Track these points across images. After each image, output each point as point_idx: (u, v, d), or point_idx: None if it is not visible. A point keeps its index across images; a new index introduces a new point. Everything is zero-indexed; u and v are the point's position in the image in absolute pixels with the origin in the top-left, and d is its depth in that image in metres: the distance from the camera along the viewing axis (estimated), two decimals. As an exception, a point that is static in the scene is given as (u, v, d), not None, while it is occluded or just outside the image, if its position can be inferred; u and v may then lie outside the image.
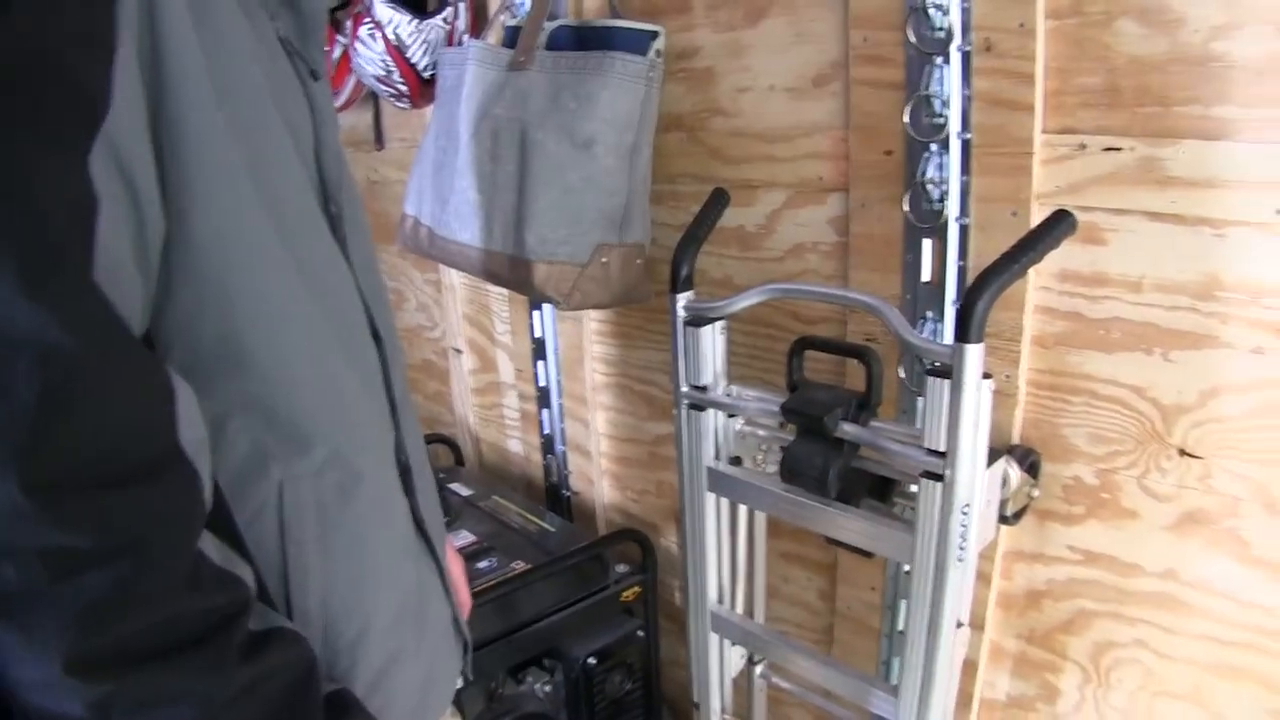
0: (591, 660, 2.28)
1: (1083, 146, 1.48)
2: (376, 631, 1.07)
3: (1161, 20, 1.38)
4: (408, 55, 2.42)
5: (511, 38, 2.11)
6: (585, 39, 2.02)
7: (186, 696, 0.78)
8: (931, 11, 1.54)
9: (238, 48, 0.92)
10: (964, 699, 1.82)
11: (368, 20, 2.40)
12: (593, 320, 2.50)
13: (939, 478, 1.34)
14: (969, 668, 1.81)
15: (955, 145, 1.59)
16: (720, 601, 1.80)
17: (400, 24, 2.38)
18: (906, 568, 1.44)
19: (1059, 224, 1.32)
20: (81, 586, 0.73)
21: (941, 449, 1.32)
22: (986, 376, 1.29)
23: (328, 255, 1.05)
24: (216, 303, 0.89)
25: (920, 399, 1.34)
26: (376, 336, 1.12)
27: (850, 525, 1.52)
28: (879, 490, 1.57)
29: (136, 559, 0.75)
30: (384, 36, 2.39)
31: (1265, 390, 1.41)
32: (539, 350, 2.69)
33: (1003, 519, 1.59)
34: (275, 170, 0.95)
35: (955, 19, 1.53)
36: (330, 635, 1.02)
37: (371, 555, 1.07)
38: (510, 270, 2.03)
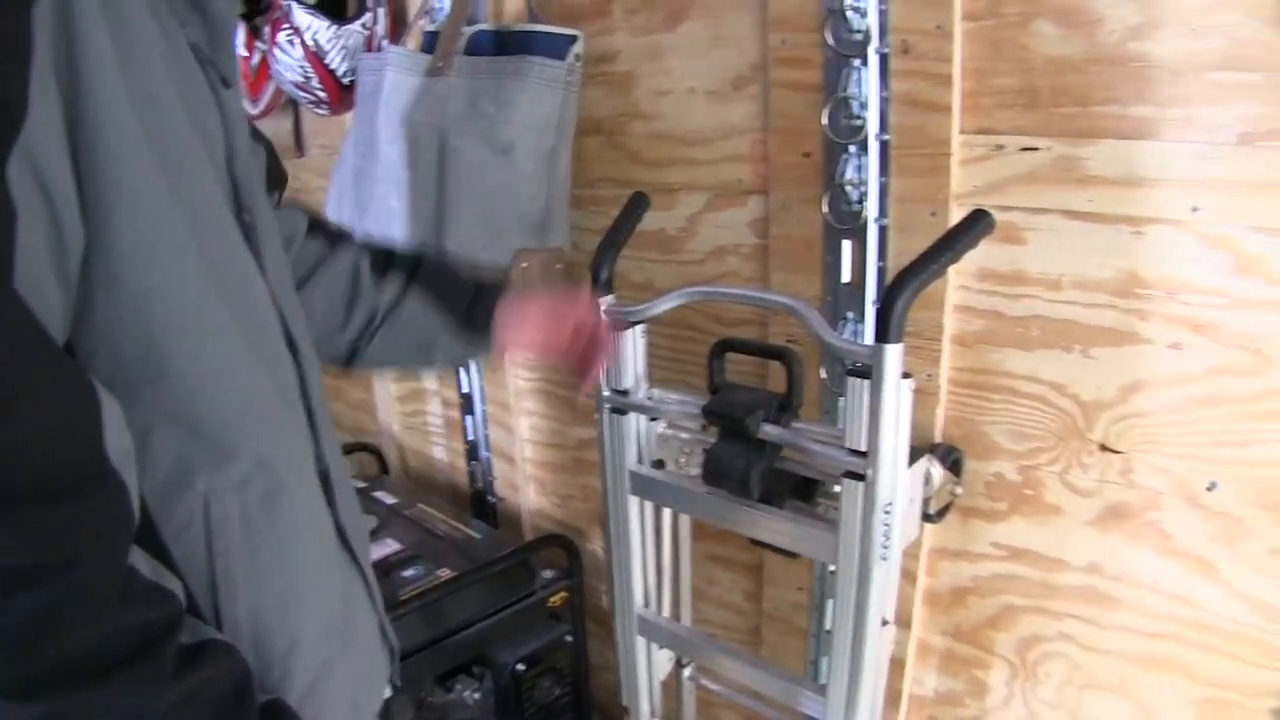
0: (520, 666, 2.27)
1: (1000, 147, 1.50)
2: (307, 642, 1.06)
3: (1079, 21, 1.39)
4: (326, 61, 2.39)
5: (430, 43, 2.10)
6: (504, 44, 2.02)
7: (123, 713, 0.77)
8: (849, 14, 1.54)
9: (151, 55, 0.90)
10: (893, 696, 1.83)
11: (286, 26, 2.38)
12: (515, 325, 2.48)
13: (861, 477, 1.34)
14: (897, 665, 1.82)
15: (874, 146, 1.60)
16: (647, 605, 1.80)
17: (318, 30, 2.36)
18: (832, 567, 1.44)
19: (977, 223, 1.32)
20: (11, 608, 0.71)
21: (863, 449, 1.32)
22: (906, 376, 1.29)
23: (243, 265, 1.03)
24: (137, 313, 0.87)
25: (842, 399, 1.34)
26: (292, 346, 1.11)
27: (774, 526, 1.51)
28: (802, 491, 1.57)
29: (68, 577, 0.73)
30: (302, 43, 2.37)
31: (1184, 385, 1.43)
32: (461, 358, 2.66)
33: (926, 517, 1.60)
34: (191, 178, 0.94)
35: (873, 21, 1.54)
36: (262, 647, 1.01)
37: (298, 566, 1.06)
38: (431, 277, 2.02)
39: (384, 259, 1.46)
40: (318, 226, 1.45)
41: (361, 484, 2.73)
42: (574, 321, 1.49)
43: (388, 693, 1.33)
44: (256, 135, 1.40)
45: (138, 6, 0.90)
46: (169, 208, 0.89)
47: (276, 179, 1.38)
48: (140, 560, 0.83)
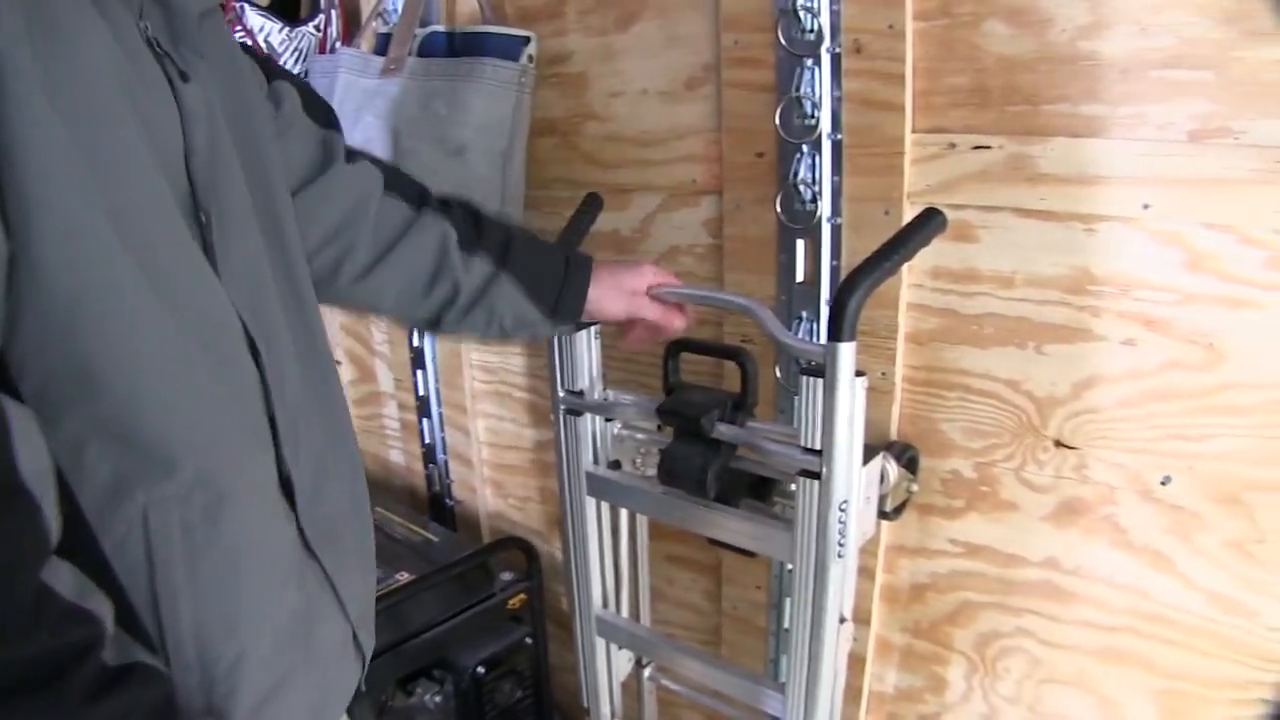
0: (480, 669, 2.26)
1: (953, 145, 1.50)
2: (256, 656, 1.03)
3: (1029, 20, 1.40)
4: (279, 63, 2.38)
5: (384, 45, 2.09)
6: (457, 45, 2.01)
7: None
8: (801, 14, 1.54)
9: (85, 52, 0.87)
10: (853, 693, 1.83)
11: (239, 28, 2.36)
12: (471, 326, 2.48)
13: (816, 476, 1.34)
14: (857, 662, 1.82)
15: (826, 146, 1.60)
16: (605, 606, 1.80)
17: (271, 32, 2.35)
18: (789, 566, 1.45)
19: (929, 222, 1.33)
20: None
21: (817, 447, 1.33)
22: (860, 374, 1.29)
23: (192, 269, 0.99)
24: (65, 326, 0.85)
25: (797, 398, 1.34)
26: (254, 351, 1.07)
27: (730, 525, 1.51)
28: (758, 490, 1.57)
29: None
30: (255, 45, 2.35)
31: (1137, 380, 1.44)
32: (418, 359, 2.66)
33: (883, 514, 1.60)
34: (128, 181, 0.90)
35: (825, 21, 1.54)
36: (206, 661, 0.99)
37: (246, 578, 1.02)
38: (385, 280, 2.00)
39: (473, 232, 1.44)
40: (396, 184, 1.43)
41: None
42: (644, 293, 1.54)
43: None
44: (284, 75, 1.35)
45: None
46: (97, 214, 0.86)
47: (320, 116, 1.33)
48: (64, 580, 0.80)
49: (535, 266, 1.47)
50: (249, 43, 2.36)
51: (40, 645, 0.75)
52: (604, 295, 1.51)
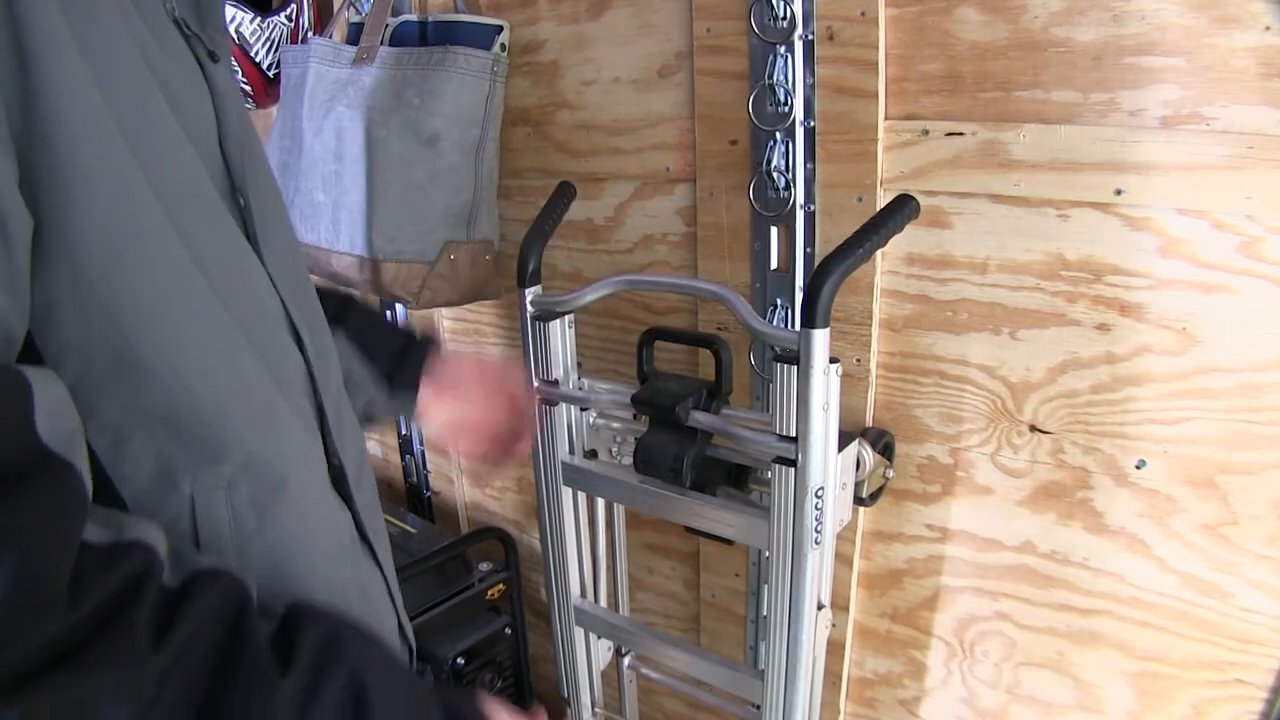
0: (460, 660, 2.26)
1: (926, 132, 1.50)
2: None
3: (1002, 7, 1.40)
4: (251, 54, 2.37)
5: (356, 34, 2.08)
6: (429, 34, 2.00)
7: (107, 695, 0.69)
8: (774, 1, 1.54)
9: (118, 33, 0.84)
10: (832, 678, 1.84)
11: (208, 19, 2.35)
12: (446, 318, 2.48)
13: (791, 463, 1.34)
14: (836, 648, 1.83)
15: (800, 133, 1.60)
16: (584, 595, 1.80)
17: (243, 22, 2.33)
18: (767, 553, 1.45)
19: (902, 208, 1.33)
20: None
21: (792, 434, 1.33)
22: (834, 361, 1.29)
23: (234, 252, 0.97)
24: (106, 314, 0.82)
25: (771, 386, 1.34)
26: (298, 337, 1.06)
27: (707, 514, 1.51)
28: (734, 478, 1.58)
29: (12, 576, 0.67)
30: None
31: (1111, 365, 1.45)
32: (394, 350, 2.65)
33: (859, 501, 1.60)
34: (166, 165, 0.87)
35: (797, 8, 1.53)
36: None
37: (304, 567, 1.01)
38: (358, 271, 2.00)
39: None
40: None
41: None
42: (505, 394, 1.50)
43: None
44: None
45: None
46: (140, 195, 0.83)
47: None
48: (95, 527, 0.75)
49: (371, 332, 1.45)
50: (220, 33, 2.35)
51: (91, 600, 0.71)
52: (452, 382, 1.49)
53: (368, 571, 1.15)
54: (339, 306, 1.42)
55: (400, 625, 1.24)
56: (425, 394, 1.48)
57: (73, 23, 0.78)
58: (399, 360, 1.45)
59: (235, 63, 2.37)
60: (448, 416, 1.54)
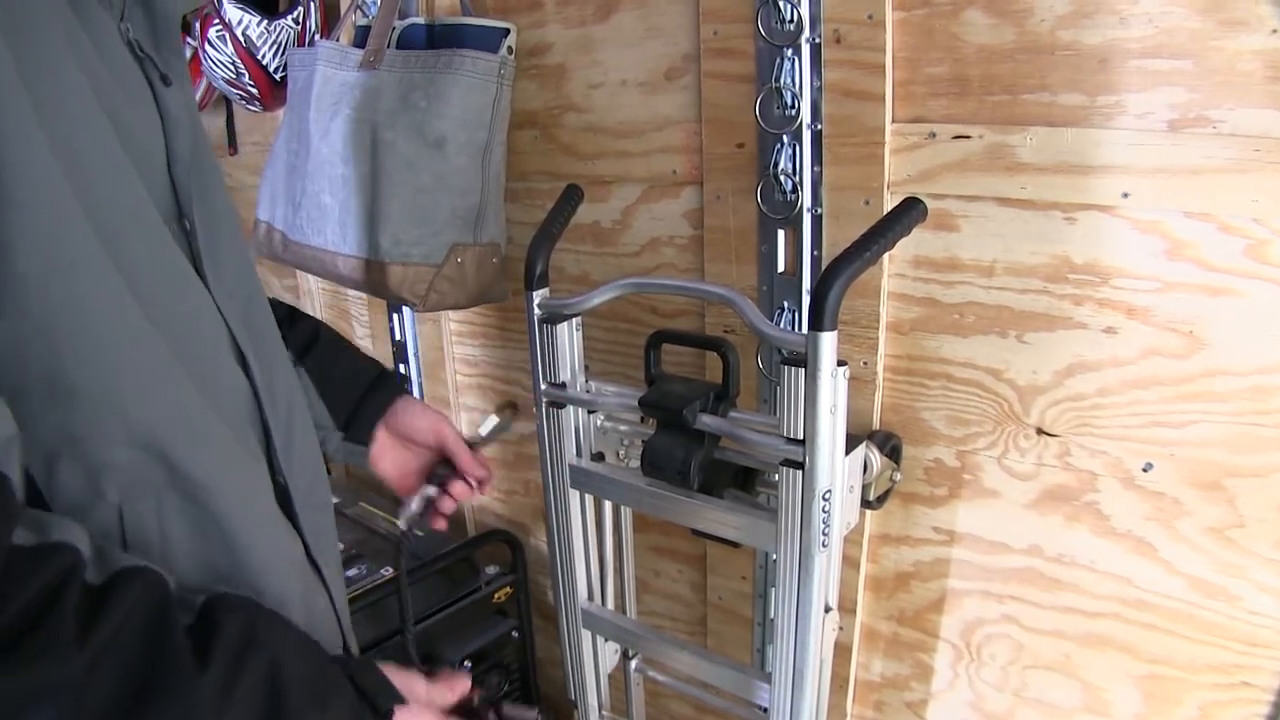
0: (467, 663, 2.27)
1: (933, 135, 1.50)
2: None
3: (1009, 10, 1.40)
4: (258, 57, 2.38)
5: (363, 37, 2.08)
6: (436, 37, 2.00)
7: (34, 692, 0.71)
8: (781, 4, 1.54)
9: (64, 62, 0.85)
10: (839, 682, 1.84)
11: (217, 22, 2.36)
12: (453, 321, 2.48)
13: (799, 465, 1.34)
14: (843, 651, 1.83)
15: (807, 136, 1.60)
16: (591, 598, 1.79)
17: (250, 25, 2.34)
18: (774, 556, 1.45)
19: (909, 211, 1.33)
20: None
21: (800, 437, 1.32)
22: (842, 364, 1.29)
23: (174, 276, 0.98)
24: (43, 335, 0.83)
25: (779, 388, 1.34)
26: (243, 358, 1.06)
27: (714, 516, 1.51)
28: (742, 480, 1.57)
29: None
30: (233, 38, 2.35)
31: (1118, 368, 1.45)
32: (400, 353, 2.66)
33: (866, 503, 1.60)
34: (106, 187, 0.89)
35: (805, 11, 1.53)
36: None
37: (248, 577, 1.01)
38: (365, 273, 2.01)
39: (284, 322, 1.39)
40: None
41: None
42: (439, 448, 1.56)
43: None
44: None
45: (47, 3, 0.85)
46: (75, 221, 0.84)
47: None
48: (22, 530, 0.77)
49: (335, 373, 1.47)
50: (226, 35, 2.36)
51: (17, 602, 0.73)
52: (416, 415, 1.52)
53: (315, 593, 1.16)
54: (306, 340, 1.44)
55: (345, 645, 1.25)
56: (376, 448, 1.52)
57: (15, 51, 0.79)
58: (355, 411, 1.47)
59: (243, 65, 2.38)
60: (388, 464, 1.59)
